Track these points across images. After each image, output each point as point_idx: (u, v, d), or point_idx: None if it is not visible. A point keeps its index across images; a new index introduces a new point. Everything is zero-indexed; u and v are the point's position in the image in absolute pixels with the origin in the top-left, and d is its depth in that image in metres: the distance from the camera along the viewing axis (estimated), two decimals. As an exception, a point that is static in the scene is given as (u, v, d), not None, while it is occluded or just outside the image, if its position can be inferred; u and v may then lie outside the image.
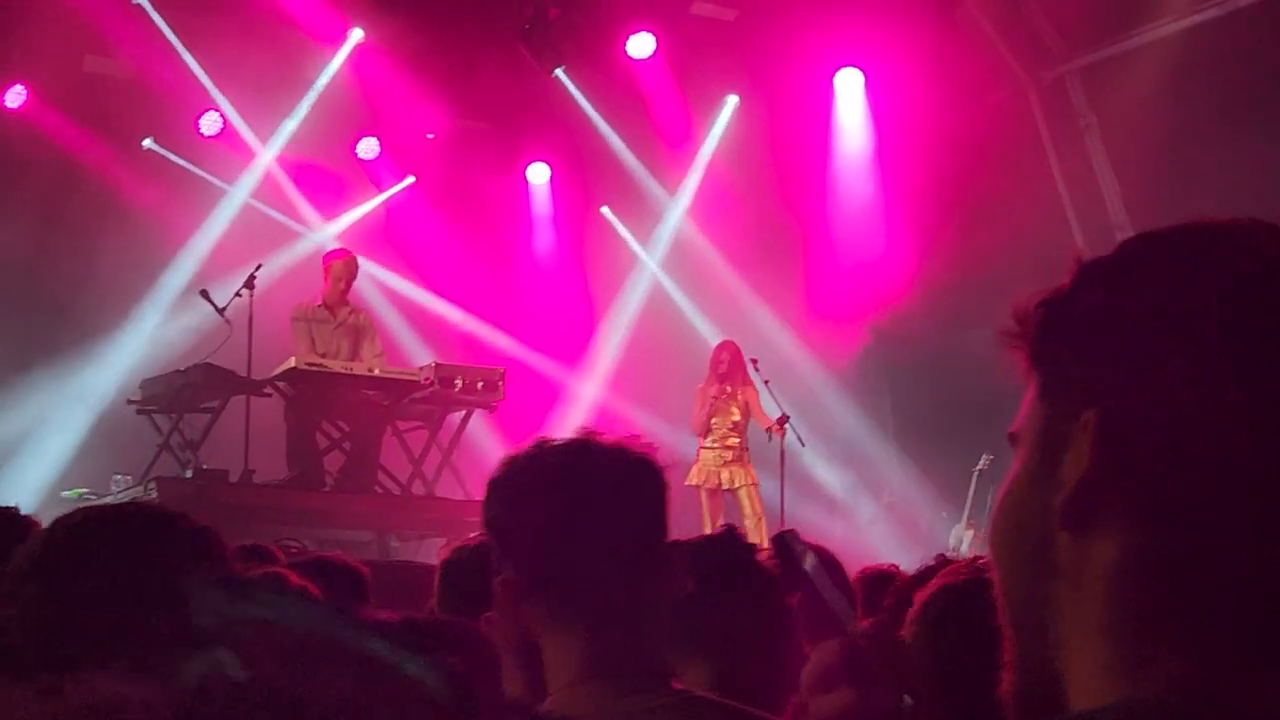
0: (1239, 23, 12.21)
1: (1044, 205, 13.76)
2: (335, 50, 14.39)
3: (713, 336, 14.22)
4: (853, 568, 4.09)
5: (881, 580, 4.00)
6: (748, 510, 12.30)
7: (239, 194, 14.56)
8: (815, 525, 13.86)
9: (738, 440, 12.50)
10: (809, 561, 1.24)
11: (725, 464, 12.40)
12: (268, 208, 14.69)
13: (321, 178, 15.04)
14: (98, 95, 13.71)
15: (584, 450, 2.26)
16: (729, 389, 12.46)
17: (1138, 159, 13.24)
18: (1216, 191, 12.18)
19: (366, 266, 13.27)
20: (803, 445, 12.98)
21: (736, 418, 12.49)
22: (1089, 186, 14.03)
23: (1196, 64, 12.27)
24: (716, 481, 12.36)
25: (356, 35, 14.26)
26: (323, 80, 14.39)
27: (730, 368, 12.52)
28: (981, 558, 2.67)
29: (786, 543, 1.24)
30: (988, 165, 13.19)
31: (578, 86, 15.00)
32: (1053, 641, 1.11)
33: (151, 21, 13.57)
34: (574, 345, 15.52)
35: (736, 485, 12.40)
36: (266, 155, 14.63)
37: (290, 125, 14.51)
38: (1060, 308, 1.17)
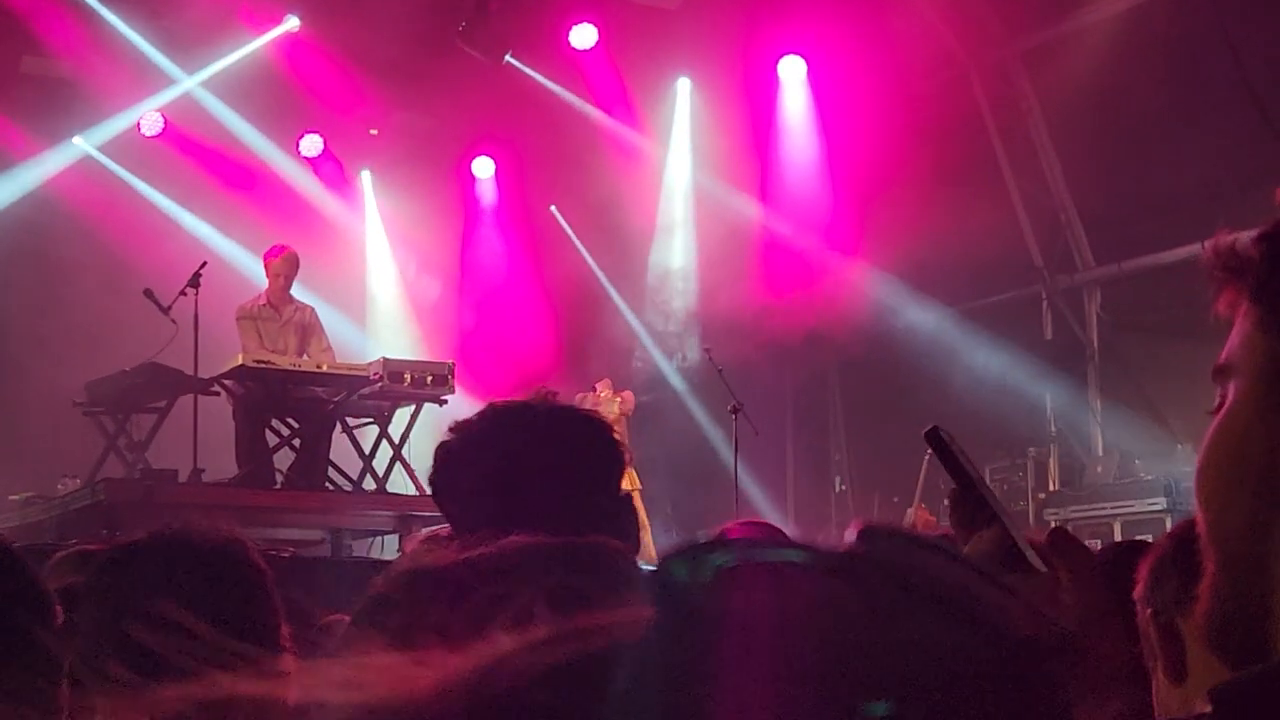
0: (1179, 4, 12.30)
1: (988, 188, 13.83)
2: (275, 45, 14.35)
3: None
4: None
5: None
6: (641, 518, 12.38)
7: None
8: (769, 509, 13.93)
9: None
10: (961, 453, 1.26)
11: None
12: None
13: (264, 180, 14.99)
14: (35, 95, 13.63)
15: (523, 410, 2.29)
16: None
17: (1080, 140, 13.33)
18: (1159, 173, 12.29)
19: (311, 262, 13.21)
20: (756, 433, 13.02)
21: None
22: (1033, 168, 14.12)
23: (1137, 46, 12.35)
24: None
25: (292, 23, 14.19)
26: (244, 51, 14.32)
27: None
28: None
29: (940, 438, 1.26)
30: (931, 149, 13.24)
31: (527, 73, 15.01)
32: (1274, 576, 1.10)
33: (91, 21, 13.48)
34: (522, 337, 15.49)
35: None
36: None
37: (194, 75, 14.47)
38: None
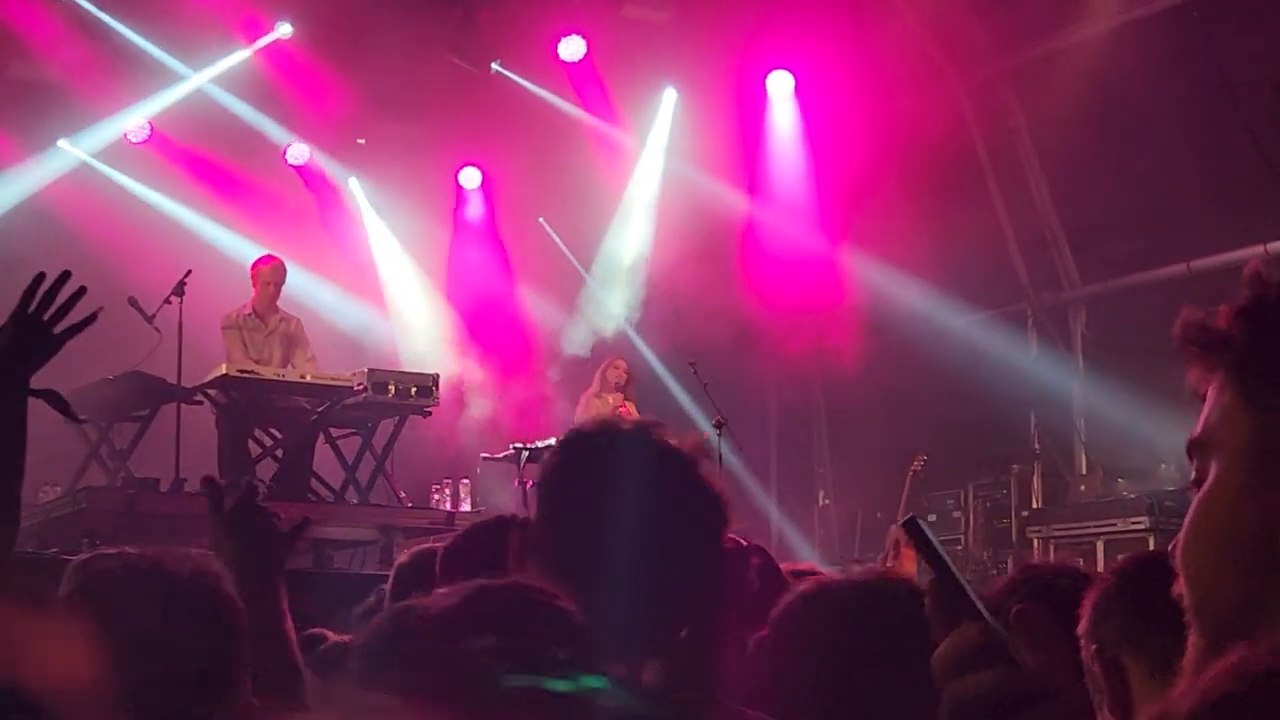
0: (1166, 24, 12.34)
1: (974, 205, 13.85)
2: (264, 52, 14.35)
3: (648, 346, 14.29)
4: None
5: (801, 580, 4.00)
6: None
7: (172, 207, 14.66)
8: (752, 524, 13.91)
9: None
10: (940, 546, 1.28)
11: None
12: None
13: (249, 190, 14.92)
14: (21, 100, 13.62)
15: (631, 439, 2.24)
16: (618, 402, 12.66)
17: (1067, 158, 13.35)
18: (1145, 191, 12.32)
19: (297, 272, 13.20)
20: (740, 449, 13.02)
21: None
22: (1019, 186, 14.14)
23: (1124, 64, 12.38)
24: None
25: (284, 29, 14.18)
26: (233, 59, 14.33)
27: (628, 382, 12.81)
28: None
29: (920, 527, 1.28)
30: (918, 165, 13.26)
31: (515, 80, 15.00)
32: None
33: (78, 25, 13.45)
34: (505, 349, 15.45)
35: None
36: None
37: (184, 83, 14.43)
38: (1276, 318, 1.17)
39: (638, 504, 2.17)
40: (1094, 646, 2.04)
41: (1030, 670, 1.18)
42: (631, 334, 15.65)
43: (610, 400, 12.69)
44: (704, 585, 2.25)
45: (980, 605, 1.23)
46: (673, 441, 2.24)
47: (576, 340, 15.46)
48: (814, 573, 4.10)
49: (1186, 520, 1.20)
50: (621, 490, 2.19)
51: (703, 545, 2.22)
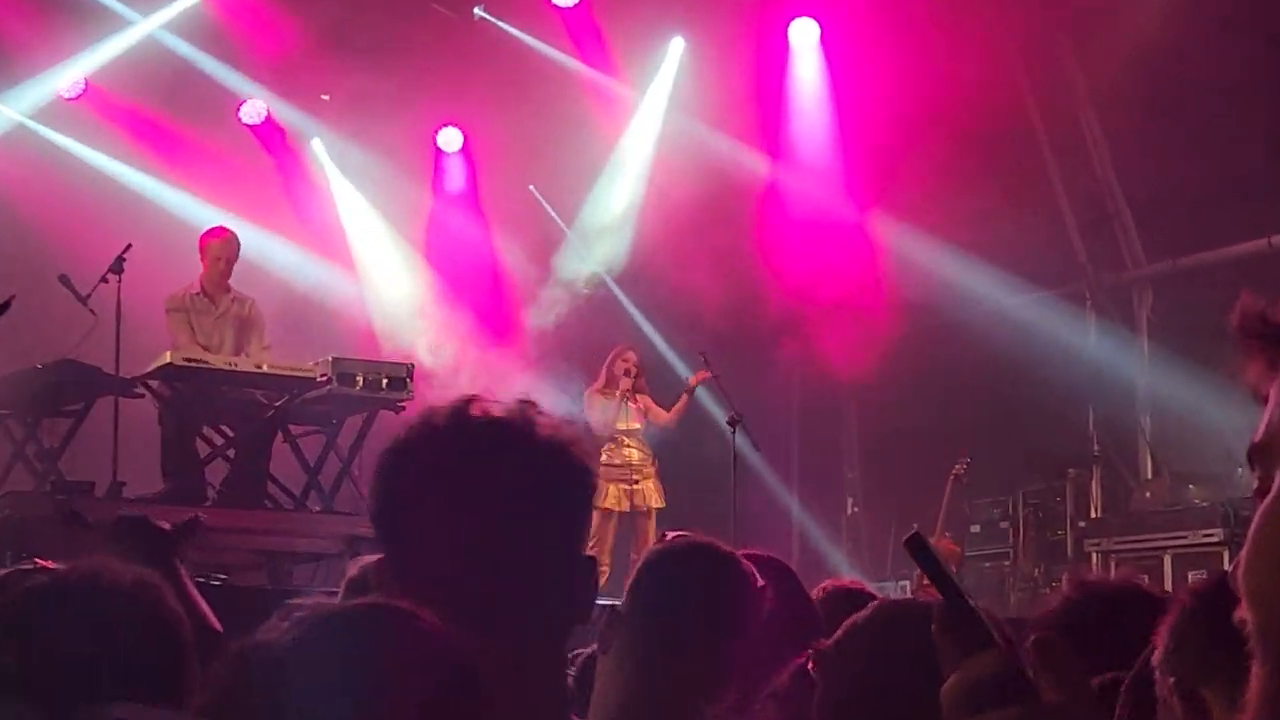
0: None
1: (1026, 173, 13.83)
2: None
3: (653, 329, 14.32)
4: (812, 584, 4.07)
5: (848, 598, 4.01)
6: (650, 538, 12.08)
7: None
8: (771, 536, 13.90)
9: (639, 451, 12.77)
10: (947, 565, 1.27)
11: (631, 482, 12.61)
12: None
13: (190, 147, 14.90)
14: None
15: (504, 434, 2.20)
16: (626, 390, 12.75)
17: (1131, 121, 13.30)
18: (1220, 158, 12.29)
19: (255, 244, 13.20)
20: (758, 450, 13.02)
21: (637, 425, 12.78)
22: (1078, 152, 14.11)
23: (1197, 13, 12.33)
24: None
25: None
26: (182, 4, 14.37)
27: (638, 373, 13.01)
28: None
29: (923, 544, 1.28)
30: (962, 127, 13.20)
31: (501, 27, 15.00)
32: None
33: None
34: (493, 330, 15.45)
35: (652, 505, 12.63)
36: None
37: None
38: None
39: (474, 496, 2.14)
40: (1171, 679, 2.04)
41: (1054, 706, 1.17)
42: (624, 305, 15.68)
43: (619, 394, 12.76)
44: (578, 549, 2.22)
45: (995, 632, 1.23)
46: (497, 413, 2.20)
47: (544, 310, 15.49)
48: (862, 591, 4.10)
49: (1249, 535, 1.19)
50: (452, 490, 2.15)
51: (562, 509, 2.19)
